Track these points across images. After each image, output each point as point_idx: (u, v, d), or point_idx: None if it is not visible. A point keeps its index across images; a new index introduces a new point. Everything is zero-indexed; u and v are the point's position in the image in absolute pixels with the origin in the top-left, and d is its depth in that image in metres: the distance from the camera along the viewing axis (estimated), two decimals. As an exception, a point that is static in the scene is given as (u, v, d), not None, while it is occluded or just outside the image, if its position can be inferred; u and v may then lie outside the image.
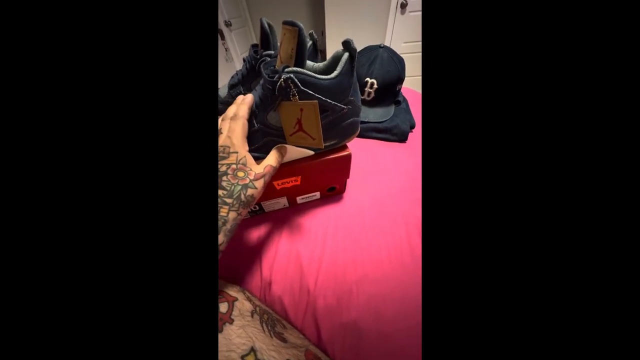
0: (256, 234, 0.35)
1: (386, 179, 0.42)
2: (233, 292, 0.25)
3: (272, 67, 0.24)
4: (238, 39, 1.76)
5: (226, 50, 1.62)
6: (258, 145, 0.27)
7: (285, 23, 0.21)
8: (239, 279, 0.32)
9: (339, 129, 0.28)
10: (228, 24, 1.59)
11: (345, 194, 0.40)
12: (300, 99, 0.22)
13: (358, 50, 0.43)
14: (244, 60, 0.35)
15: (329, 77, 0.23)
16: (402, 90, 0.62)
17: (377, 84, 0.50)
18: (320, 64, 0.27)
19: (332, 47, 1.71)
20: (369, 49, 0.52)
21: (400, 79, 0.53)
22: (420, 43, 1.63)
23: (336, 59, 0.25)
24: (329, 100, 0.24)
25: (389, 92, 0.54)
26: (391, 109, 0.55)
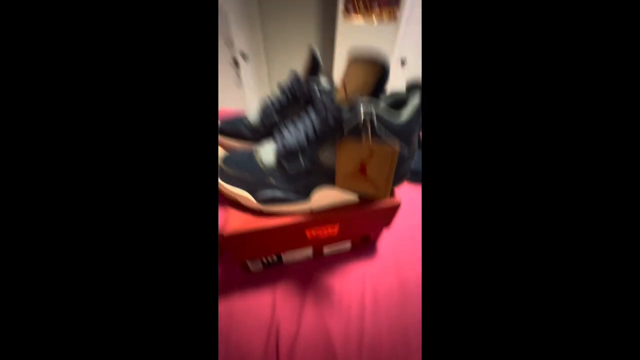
0: (269, 296, 0.26)
1: (420, 227, 0.37)
2: None
3: (330, 98, 0.20)
4: (252, 69, 1.87)
5: (238, 78, 1.68)
6: (298, 187, 0.22)
7: (359, 56, 0.18)
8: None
9: (395, 174, 0.24)
10: (244, 55, 1.69)
11: (378, 246, 0.33)
12: (372, 139, 0.18)
13: None
14: (281, 89, 0.32)
15: (403, 118, 0.19)
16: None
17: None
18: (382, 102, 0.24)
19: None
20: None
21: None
22: (417, 93, 1.83)
23: (399, 99, 0.23)
24: (399, 144, 0.20)
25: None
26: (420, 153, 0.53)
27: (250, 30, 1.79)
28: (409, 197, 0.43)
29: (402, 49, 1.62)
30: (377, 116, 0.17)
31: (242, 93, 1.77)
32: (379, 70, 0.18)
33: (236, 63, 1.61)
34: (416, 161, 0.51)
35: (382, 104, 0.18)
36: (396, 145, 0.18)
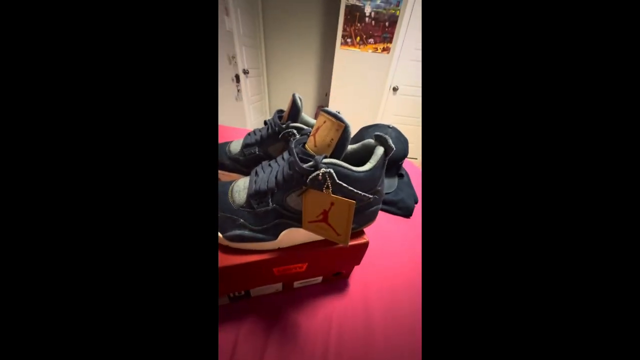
0: (233, 334, 0.26)
1: (393, 260, 0.38)
2: None
3: (301, 146, 0.22)
4: (251, 85, 1.95)
5: (238, 92, 1.74)
6: (267, 227, 0.23)
7: (329, 113, 0.20)
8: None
9: (361, 215, 0.25)
10: (246, 72, 1.76)
11: (350, 280, 0.34)
12: (333, 192, 0.19)
13: (368, 124, 0.42)
14: (265, 122, 0.34)
15: (363, 169, 0.21)
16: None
17: (384, 158, 0.52)
18: (349, 149, 0.26)
19: (333, 107, 1.94)
20: (379, 127, 0.56)
21: (405, 155, 0.56)
22: (407, 118, 1.94)
23: (367, 147, 0.25)
24: (360, 193, 0.21)
25: (393, 166, 0.56)
26: (395, 181, 0.56)
27: (253, 49, 1.89)
28: (384, 233, 0.44)
29: (394, 78, 1.74)
30: (337, 171, 0.19)
31: (241, 107, 1.82)
32: (342, 128, 0.20)
33: (237, 78, 1.68)
34: (409, 195, 0.54)
35: (340, 162, 0.20)
36: (352, 201, 0.19)
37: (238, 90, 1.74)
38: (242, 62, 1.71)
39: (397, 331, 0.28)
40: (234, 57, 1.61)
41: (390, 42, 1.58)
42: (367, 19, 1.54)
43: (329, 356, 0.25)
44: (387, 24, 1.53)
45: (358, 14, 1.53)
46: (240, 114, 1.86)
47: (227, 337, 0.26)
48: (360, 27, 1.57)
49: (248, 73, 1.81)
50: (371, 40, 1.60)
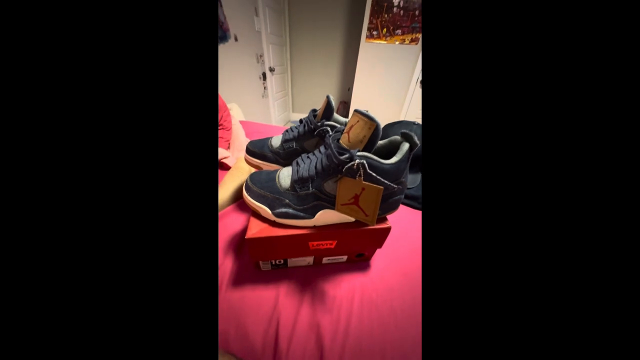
0: (274, 292, 0.32)
1: (412, 248, 0.41)
2: None
3: (337, 141, 0.26)
4: (276, 82, 2.03)
5: (264, 89, 1.84)
6: (307, 207, 0.28)
7: (362, 114, 0.24)
8: (248, 348, 0.28)
9: (385, 203, 0.29)
10: (272, 70, 1.85)
11: (372, 262, 0.38)
12: (364, 179, 0.24)
13: (393, 121, 0.45)
14: (300, 121, 0.39)
15: (390, 162, 0.25)
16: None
17: (408, 153, 0.54)
18: (377, 144, 0.29)
19: (356, 101, 1.93)
20: (405, 124, 0.58)
21: (429, 151, 0.57)
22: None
23: (393, 143, 0.28)
24: (387, 182, 0.25)
25: (417, 162, 0.58)
26: (418, 177, 0.57)
27: (278, 46, 1.96)
28: (405, 224, 0.47)
29: (422, 71, 1.66)
30: (368, 164, 0.23)
31: (266, 104, 1.92)
32: (374, 127, 0.23)
33: (264, 76, 1.77)
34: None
35: (371, 155, 0.23)
36: (380, 186, 0.23)
37: (264, 88, 1.84)
38: (269, 60, 1.79)
39: (414, 296, 0.32)
40: (261, 56, 1.69)
41: (420, 32, 1.50)
42: (395, 9, 1.49)
43: (352, 318, 0.30)
44: (417, 12, 1.46)
45: (386, 4, 1.49)
46: (266, 111, 1.97)
47: (270, 294, 0.32)
48: (388, 18, 1.53)
49: (274, 71, 1.89)
50: (399, 31, 1.54)
